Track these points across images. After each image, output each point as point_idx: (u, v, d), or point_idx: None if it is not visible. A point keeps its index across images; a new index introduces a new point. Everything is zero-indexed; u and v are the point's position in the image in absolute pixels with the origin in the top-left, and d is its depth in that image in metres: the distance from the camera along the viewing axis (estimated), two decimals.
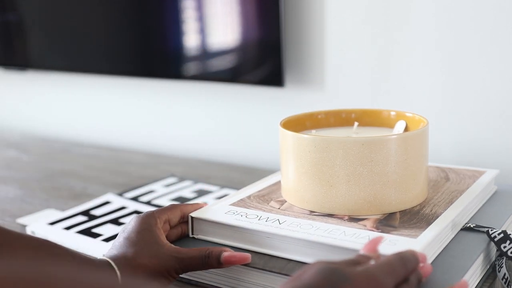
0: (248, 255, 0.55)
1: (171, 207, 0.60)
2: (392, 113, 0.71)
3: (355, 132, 0.69)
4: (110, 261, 0.52)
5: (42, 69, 1.30)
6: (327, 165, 0.59)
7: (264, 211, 0.61)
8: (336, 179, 0.59)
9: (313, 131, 0.70)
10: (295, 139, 0.61)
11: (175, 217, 0.59)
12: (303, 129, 0.70)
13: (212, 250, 0.54)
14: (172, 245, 0.56)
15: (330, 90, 0.97)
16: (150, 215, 0.57)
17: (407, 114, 0.69)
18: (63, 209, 0.83)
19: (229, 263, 0.54)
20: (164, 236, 0.57)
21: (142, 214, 0.58)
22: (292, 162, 0.62)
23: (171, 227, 0.60)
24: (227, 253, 0.54)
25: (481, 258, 0.55)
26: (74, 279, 0.37)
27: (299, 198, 0.62)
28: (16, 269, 0.35)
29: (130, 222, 0.57)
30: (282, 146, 0.64)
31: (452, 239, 0.58)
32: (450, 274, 0.51)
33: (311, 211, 0.61)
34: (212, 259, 0.54)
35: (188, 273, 0.59)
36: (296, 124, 0.69)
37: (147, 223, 0.56)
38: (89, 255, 0.53)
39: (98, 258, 0.53)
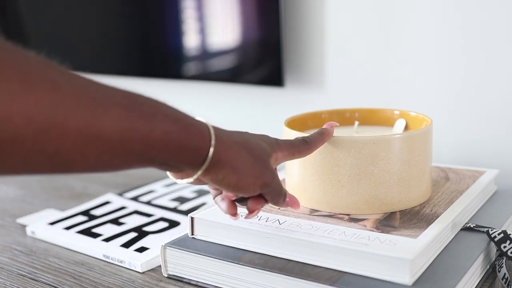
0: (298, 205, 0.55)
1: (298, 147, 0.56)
2: (396, 112, 0.71)
3: (355, 131, 0.69)
4: (209, 125, 0.48)
5: None
6: (338, 165, 0.59)
7: (264, 211, 0.61)
8: (347, 178, 0.59)
9: None
10: None
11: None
12: (306, 128, 0.70)
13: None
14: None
15: (330, 90, 0.97)
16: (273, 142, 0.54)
17: (411, 113, 0.70)
18: (63, 209, 0.83)
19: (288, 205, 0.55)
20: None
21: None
22: (299, 162, 0.62)
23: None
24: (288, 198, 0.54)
25: (481, 258, 0.55)
26: (173, 112, 0.44)
27: (307, 198, 0.62)
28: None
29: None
30: None
31: (452, 239, 0.58)
32: (450, 274, 0.51)
33: (311, 212, 0.61)
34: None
35: (188, 273, 0.59)
36: (299, 123, 0.69)
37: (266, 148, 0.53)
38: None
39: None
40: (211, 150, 0.46)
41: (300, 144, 0.55)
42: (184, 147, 0.44)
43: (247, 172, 0.49)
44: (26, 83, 0.35)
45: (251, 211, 0.53)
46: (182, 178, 0.50)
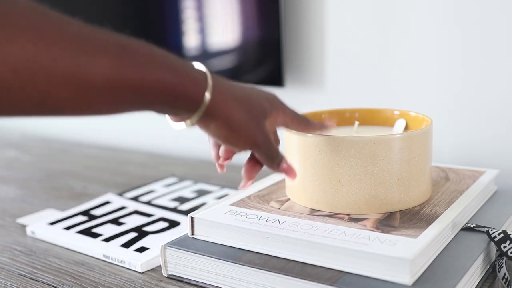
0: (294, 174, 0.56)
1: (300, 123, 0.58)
2: (396, 112, 0.71)
3: (355, 131, 0.69)
4: (207, 73, 0.47)
5: None
6: (338, 165, 0.59)
7: (264, 211, 0.61)
8: (347, 178, 0.59)
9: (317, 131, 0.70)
10: (303, 139, 0.61)
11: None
12: None
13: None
14: None
15: (330, 90, 0.97)
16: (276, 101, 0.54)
17: (411, 113, 0.69)
18: (63, 209, 0.83)
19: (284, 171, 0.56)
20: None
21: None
22: (300, 162, 0.62)
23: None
24: (285, 165, 0.55)
25: (481, 258, 0.55)
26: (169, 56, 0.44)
27: (307, 198, 0.62)
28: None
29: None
30: (288, 146, 0.63)
31: (452, 239, 0.58)
32: (450, 274, 0.51)
33: (311, 212, 0.61)
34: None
35: (188, 273, 0.59)
36: None
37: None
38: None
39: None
40: (206, 98, 0.46)
41: (301, 118, 0.57)
42: (177, 97, 0.44)
43: (239, 129, 0.49)
44: (9, 32, 0.35)
45: (247, 178, 0.55)
46: (178, 121, 0.50)
